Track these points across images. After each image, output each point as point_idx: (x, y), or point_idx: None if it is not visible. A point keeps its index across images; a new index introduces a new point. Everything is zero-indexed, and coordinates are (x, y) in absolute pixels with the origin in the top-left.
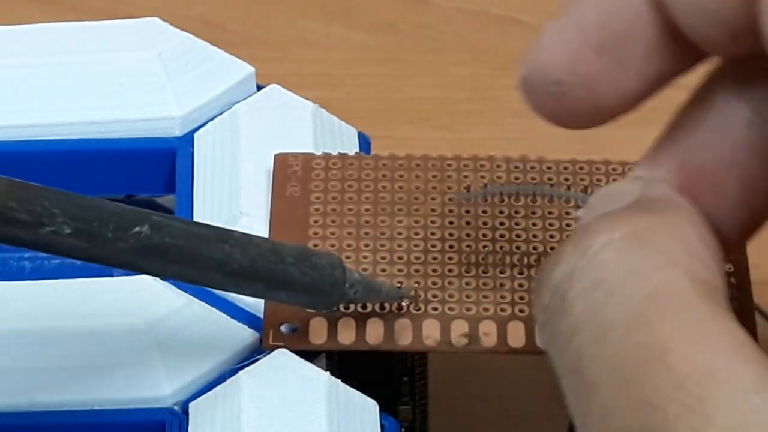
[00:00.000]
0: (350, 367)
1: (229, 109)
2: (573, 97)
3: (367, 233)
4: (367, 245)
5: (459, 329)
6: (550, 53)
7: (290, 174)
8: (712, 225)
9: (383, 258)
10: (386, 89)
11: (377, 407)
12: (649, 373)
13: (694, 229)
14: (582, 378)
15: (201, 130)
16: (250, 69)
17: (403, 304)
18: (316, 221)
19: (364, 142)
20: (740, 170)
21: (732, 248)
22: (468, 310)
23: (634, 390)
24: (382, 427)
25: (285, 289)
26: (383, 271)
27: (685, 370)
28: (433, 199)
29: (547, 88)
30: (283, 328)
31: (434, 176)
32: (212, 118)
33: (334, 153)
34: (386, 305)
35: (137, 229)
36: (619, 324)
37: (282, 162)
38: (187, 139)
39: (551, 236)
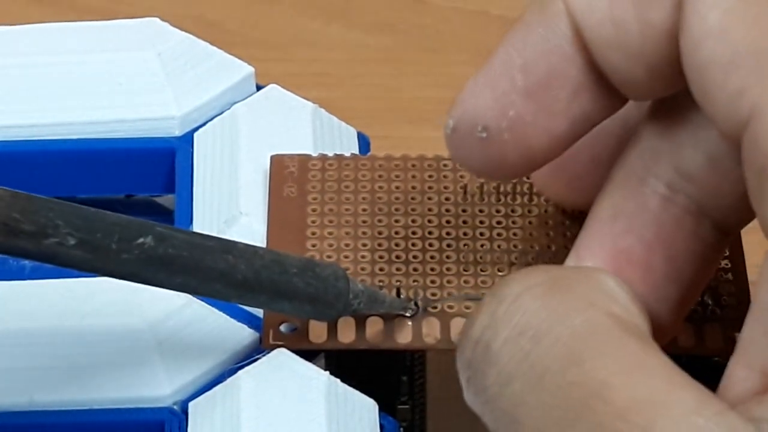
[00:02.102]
0: (349, 366)
1: (228, 109)
2: (501, 142)
3: (364, 233)
4: (365, 245)
5: (459, 327)
6: (477, 99)
7: (287, 175)
8: (645, 307)
9: (381, 257)
10: (386, 89)
11: (376, 407)
12: (590, 411)
13: (609, 277)
14: (521, 428)
15: (200, 130)
16: (249, 69)
17: (407, 314)
18: (313, 221)
19: (364, 142)
20: (665, 246)
21: (668, 330)
22: (467, 308)
23: (578, 430)
24: (382, 426)
25: (289, 299)
26: (381, 270)
27: (624, 403)
28: (429, 199)
29: (474, 135)
30: (282, 328)
31: (430, 176)
32: (212, 118)
33: (334, 153)
34: None
35: (141, 240)
36: (551, 367)
37: (278, 163)
38: (187, 139)
39: (548, 234)
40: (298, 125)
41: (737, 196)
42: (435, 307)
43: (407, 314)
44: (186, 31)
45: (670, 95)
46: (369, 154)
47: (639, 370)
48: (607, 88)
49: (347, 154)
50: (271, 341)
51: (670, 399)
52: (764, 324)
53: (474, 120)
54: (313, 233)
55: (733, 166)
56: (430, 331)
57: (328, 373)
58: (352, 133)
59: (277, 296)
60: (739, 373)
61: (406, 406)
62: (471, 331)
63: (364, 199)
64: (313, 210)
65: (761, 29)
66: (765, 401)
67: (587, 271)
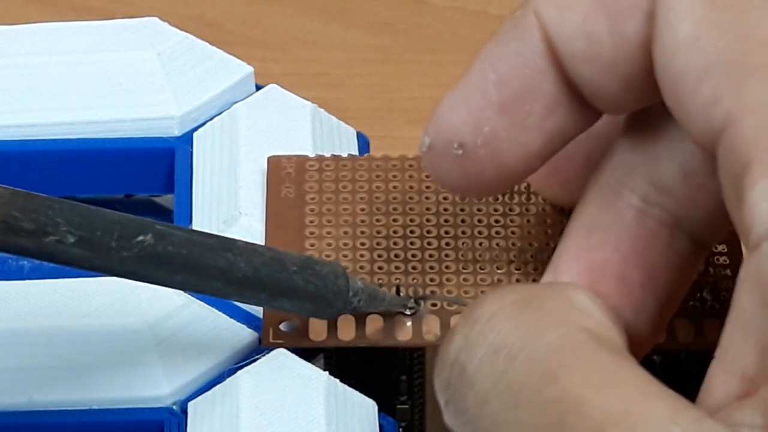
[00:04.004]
0: (349, 366)
1: (228, 108)
2: (477, 158)
3: (363, 233)
4: (363, 244)
5: None
6: (453, 116)
7: (284, 176)
8: (621, 320)
9: (380, 257)
10: (385, 89)
11: (376, 407)
12: (567, 426)
13: (581, 292)
14: None
15: (200, 130)
16: (248, 69)
17: (407, 312)
18: (311, 222)
19: (363, 142)
20: (641, 258)
21: (647, 341)
22: (466, 305)
23: None
24: (381, 426)
25: (288, 297)
26: (380, 269)
27: (601, 417)
28: (427, 198)
29: (450, 151)
30: (282, 326)
31: (428, 176)
32: (211, 118)
33: (334, 153)
34: None
35: (140, 238)
36: (527, 385)
37: (275, 164)
38: (186, 139)
39: (546, 232)
40: (297, 125)
41: (712, 209)
42: (434, 305)
43: (407, 312)
44: (186, 31)
45: (644, 109)
46: (366, 154)
47: (614, 383)
48: (581, 102)
49: (345, 155)
50: (271, 339)
51: (645, 410)
52: (743, 328)
53: (450, 137)
54: (312, 233)
55: (708, 178)
56: (430, 328)
57: (327, 373)
58: (352, 133)
59: (276, 294)
60: (719, 378)
61: (406, 406)
62: (446, 353)
63: (362, 199)
64: (311, 210)
65: (732, 38)
66: (744, 406)
67: (559, 287)
